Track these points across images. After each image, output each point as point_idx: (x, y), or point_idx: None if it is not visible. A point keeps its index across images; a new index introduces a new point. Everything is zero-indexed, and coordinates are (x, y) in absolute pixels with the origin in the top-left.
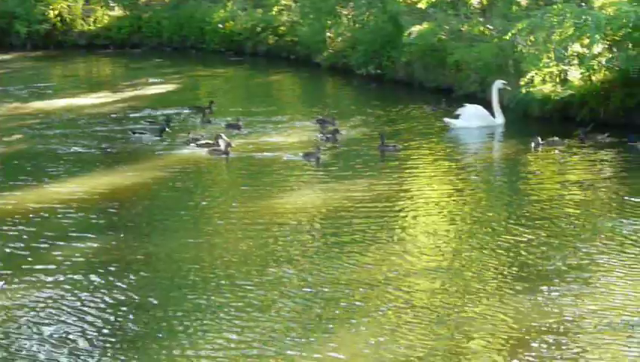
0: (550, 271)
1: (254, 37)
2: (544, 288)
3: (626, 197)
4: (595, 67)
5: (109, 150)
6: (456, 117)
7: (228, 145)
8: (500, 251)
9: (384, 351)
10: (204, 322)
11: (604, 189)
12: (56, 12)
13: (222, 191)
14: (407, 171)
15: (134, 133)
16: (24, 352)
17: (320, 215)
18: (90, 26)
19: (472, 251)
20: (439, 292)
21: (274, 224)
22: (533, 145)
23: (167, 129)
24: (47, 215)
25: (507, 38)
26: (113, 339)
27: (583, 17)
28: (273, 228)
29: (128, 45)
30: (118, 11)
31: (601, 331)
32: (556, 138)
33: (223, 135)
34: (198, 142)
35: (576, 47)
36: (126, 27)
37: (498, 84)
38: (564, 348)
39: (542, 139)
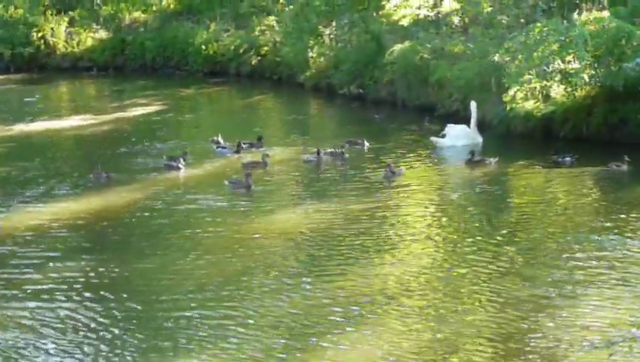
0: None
1: (237, 58)
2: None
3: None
4: (578, 83)
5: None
6: (443, 136)
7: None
8: (486, 270)
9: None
10: (188, 342)
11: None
12: (40, 35)
13: (213, 214)
14: (396, 190)
15: (218, 147)
16: None
17: (306, 234)
18: (73, 48)
19: (457, 274)
20: (428, 310)
21: (262, 244)
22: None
23: (242, 146)
24: (30, 237)
25: (496, 58)
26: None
27: (568, 34)
28: (262, 247)
29: (112, 67)
30: (101, 34)
31: (585, 350)
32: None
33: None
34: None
35: (559, 64)
36: (109, 49)
37: (474, 103)
38: None
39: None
